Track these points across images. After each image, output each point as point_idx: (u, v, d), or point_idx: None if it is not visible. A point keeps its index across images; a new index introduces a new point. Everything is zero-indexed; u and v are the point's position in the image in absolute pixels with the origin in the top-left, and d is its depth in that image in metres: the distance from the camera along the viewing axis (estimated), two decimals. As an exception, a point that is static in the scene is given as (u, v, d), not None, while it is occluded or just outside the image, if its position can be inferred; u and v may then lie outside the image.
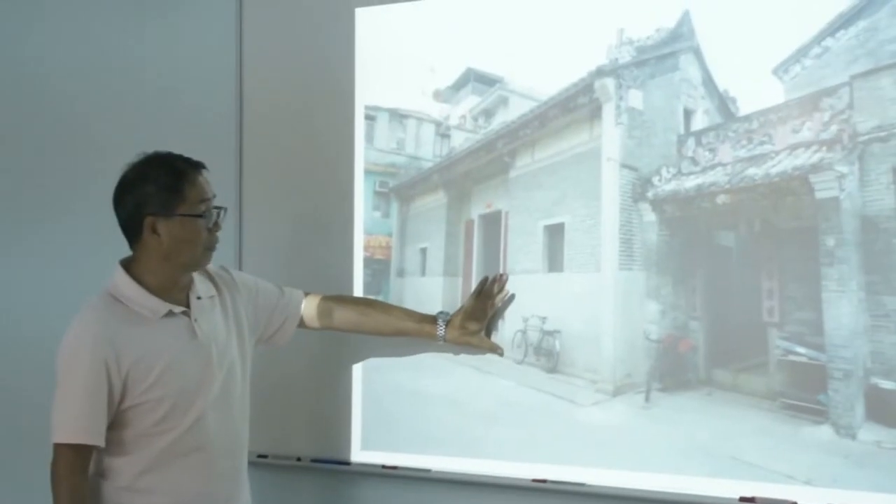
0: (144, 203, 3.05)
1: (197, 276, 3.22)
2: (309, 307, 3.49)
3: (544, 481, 3.53)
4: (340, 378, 3.88)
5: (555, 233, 3.55)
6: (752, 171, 3.27)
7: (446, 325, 3.45)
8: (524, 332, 3.60)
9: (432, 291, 3.78)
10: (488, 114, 3.70)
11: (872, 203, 3.11)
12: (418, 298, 3.77)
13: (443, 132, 3.78)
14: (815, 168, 3.17)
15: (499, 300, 3.51)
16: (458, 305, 3.62)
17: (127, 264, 3.13)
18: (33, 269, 4.55)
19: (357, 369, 3.87)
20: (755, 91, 3.27)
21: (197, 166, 3.12)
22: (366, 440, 3.85)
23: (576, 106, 3.53)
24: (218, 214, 3.14)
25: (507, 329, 3.62)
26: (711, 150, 3.34)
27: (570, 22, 3.54)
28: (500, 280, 3.50)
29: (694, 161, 3.36)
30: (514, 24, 3.62)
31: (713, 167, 3.33)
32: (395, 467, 3.77)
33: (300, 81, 4.01)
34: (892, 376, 3.07)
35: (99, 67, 4.50)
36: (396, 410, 3.80)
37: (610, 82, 3.47)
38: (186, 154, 3.15)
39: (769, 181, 3.24)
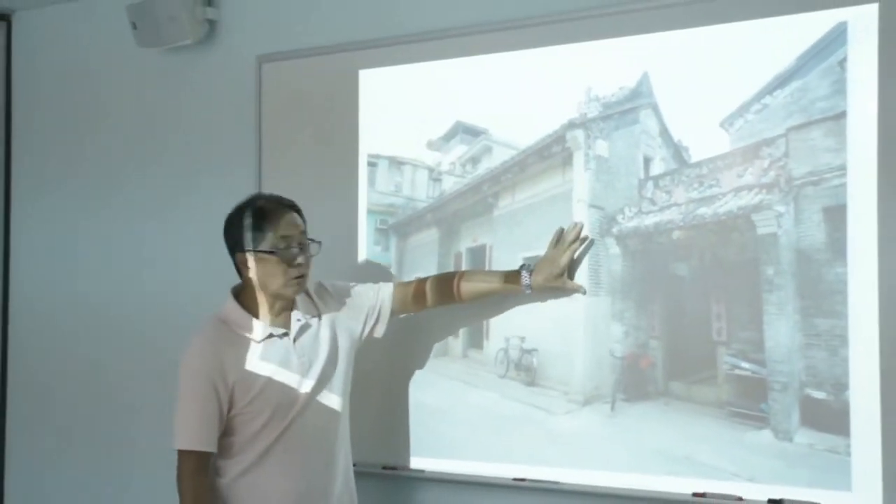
0: (236, 242, 3.19)
1: (299, 299, 3.26)
2: (400, 295, 3.46)
3: (523, 480, 3.58)
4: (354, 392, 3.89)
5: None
6: (702, 210, 3.32)
7: (530, 275, 3.38)
8: (506, 350, 3.64)
9: (427, 316, 3.72)
10: (474, 161, 3.73)
11: (805, 238, 3.16)
12: (416, 322, 3.74)
13: (435, 177, 3.82)
14: (757, 208, 3.23)
15: (576, 246, 3.40)
16: (451, 328, 3.71)
17: (237, 292, 3.24)
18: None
19: (362, 384, 3.77)
20: (705, 141, 3.31)
21: (280, 206, 3.19)
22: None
23: (550, 154, 3.57)
24: (300, 249, 3.16)
25: (491, 347, 3.65)
26: (667, 192, 3.38)
27: (544, 81, 3.57)
28: (576, 228, 3.38)
29: (652, 202, 3.40)
30: (497, 84, 3.66)
31: (669, 207, 3.37)
32: (394, 468, 3.81)
33: (313, 134, 4.05)
34: (823, 388, 3.11)
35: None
36: (394, 419, 3.82)
37: (580, 133, 3.51)
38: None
39: (717, 219, 3.30)
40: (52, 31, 4.87)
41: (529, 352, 3.61)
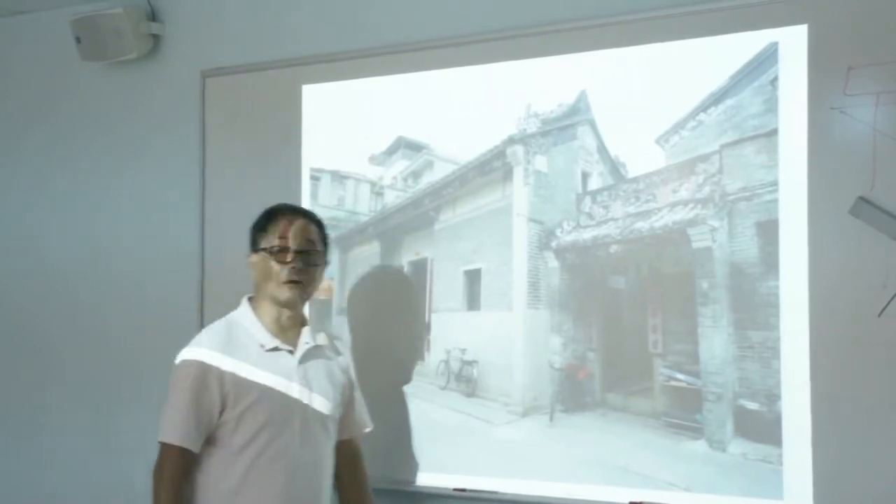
0: (251, 244, 3.13)
1: (313, 328, 3.16)
2: (348, 445, 3.28)
3: (464, 490, 3.56)
4: None
5: (473, 277, 3.59)
6: (639, 224, 3.34)
7: None
8: (447, 361, 3.64)
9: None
10: (416, 175, 3.74)
11: (739, 252, 3.18)
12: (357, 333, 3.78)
13: (377, 191, 3.81)
14: (692, 222, 3.25)
15: None
16: (391, 339, 3.71)
17: (251, 298, 3.15)
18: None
19: None
20: (641, 157, 3.33)
21: (290, 211, 3.15)
22: None
23: (491, 169, 3.58)
24: (301, 256, 3.04)
25: (432, 359, 3.65)
26: (605, 207, 3.39)
27: (485, 97, 3.58)
28: None
29: (590, 216, 3.41)
30: (438, 100, 3.67)
31: (606, 221, 3.38)
32: None
33: (256, 148, 4.04)
34: (757, 398, 3.13)
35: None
36: None
37: (519, 149, 3.53)
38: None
39: (653, 233, 3.32)
40: (-6, 45, 4.81)
41: (470, 363, 3.61)
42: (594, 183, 3.43)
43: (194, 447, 2.95)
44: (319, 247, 3.13)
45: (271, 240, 3.06)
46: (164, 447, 2.95)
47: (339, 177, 3.91)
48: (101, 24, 4.24)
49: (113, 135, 4.47)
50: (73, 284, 4.57)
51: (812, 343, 3.08)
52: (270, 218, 3.11)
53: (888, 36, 3.00)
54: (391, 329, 3.77)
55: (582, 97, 3.44)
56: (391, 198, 3.81)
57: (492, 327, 3.56)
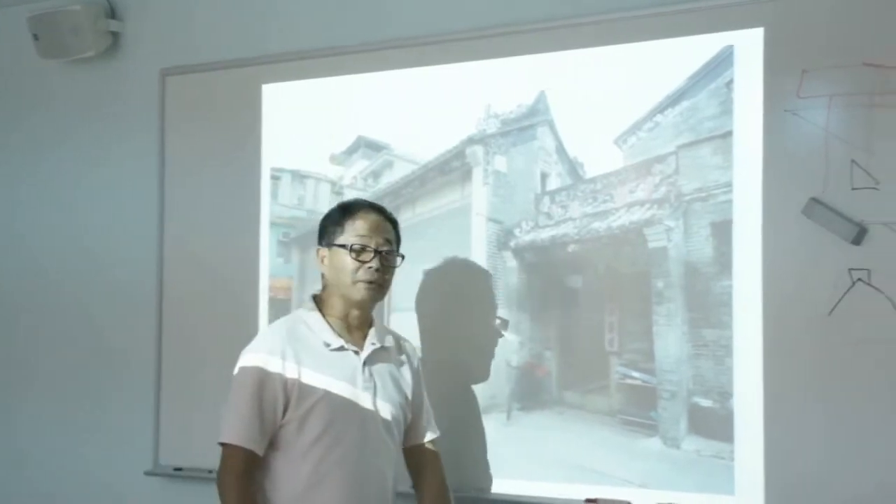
0: (321, 237, 3.01)
1: (381, 328, 3.06)
2: (421, 450, 3.16)
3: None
4: None
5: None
6: (596, 224, 3.36)
7: None
8: (408, 360, 3.66)
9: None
10: (376, 175, 3.73)
11: (694, 252, 3.21)
12: None
13: (337, 190, 3.80)
14: (648, 222, 3.28)
15: None
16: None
17: (317, 297, 3.02)
18: None
19: None
20: (599, 158, 3.35)
21: (368, 208, 3.01)
22: None
23: (450, 169, 3.59)
24: (377, 254, 2.92)
25: None
26: (563, 207, 3.41)
27: (445, 98, 3.60)
28: None
29: (549, 216, 3.44)
30: (399, 100, 3.68)
31: (564, 221, 3.41)
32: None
33: (216, 146, 4.03)
34: (710, 396, 3.16)
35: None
36: None
37: (479, 149, 3.54)
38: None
39: (611, 233, 3.34)
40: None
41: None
42: (553, 183, 3.45)
43: (258, 449, 2.82)
44: (395, 247, 3.04)
45: (349, 237, 2.93)
46: (227, 449, 2.82)
47: (299, 176, 3.90)
48: (60, 20, 4.22)
49: (72, 133, 4.45)
50: (32, 281, 4.55)
51: (765, 341, 3.11)
52: (348, 213, 2.98)
53: (841, 40, 3.04)
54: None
55: (541, 98, 3.46)
56: (351, 197, 3.72)
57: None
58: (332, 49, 3.83)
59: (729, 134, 3.19)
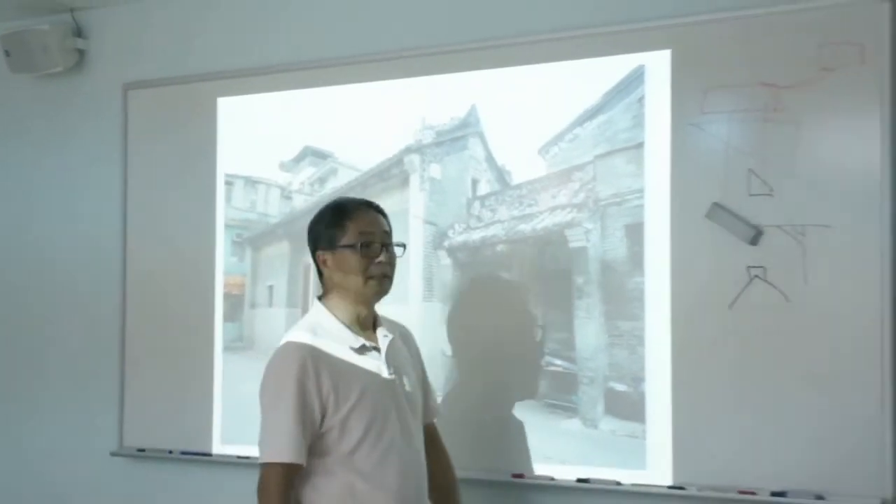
0: (317, 240, 2.74)
1: (386, 320, 2.82)
2: (427, 429, 2.91)
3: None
4: (204, 389, 3.88)
5: None
6: (522, 226, 3.38)
7: None
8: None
9: (276, 319, 3.76)
10: (322, 181, 3.72)
11: (610, 251, 3.24)
12: (268, 325, 3.76)
13: (286, 195, 3.79)
14: (569, 225, 3.30)
15: None
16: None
17: (323, 300, 2.76)
18: None
19: (217, 380, 3.85)
20: (524, 166, 3.37)
21: (362, 204, 2.77)
22: (225, 435, 3.84)
23: (389, 176, 3.58)
24: (382, 248, 2.70)
25: None
26: (492, 211, 3.42)
27: (384, 111, 3.58)
28: None
29: (479, 219, 3.44)
30: (342, 112, 3.66)
31: (493, 223, 3.41)
32: (246, 458, 3.63)
33: (175, 155, 3.99)
34: (624, 381, 3.20)
35: None
36: (253, 412, 3.73)
37: (415, 158, 3.54)
38: None
39: (535, 234, 3.35)
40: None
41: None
42: (482, 189, 3.46)
43: (302, 460, 2.58)
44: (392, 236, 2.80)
45: (352, 236, 2.68)
46: (270, 468, 2.57)
47: (251, 182, 3.88)
48: (29, 39, 4.16)
49: (41, 141, 4.38)
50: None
51: (673, 331, 3.15)
52: (345, 214, 2.73)
53: (739, 63, 3.08)
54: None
55: (472, 112, 3.47)
56: (299, 202, 3.78)
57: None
58: (282, 66, 3.81)
59: (640, 145, 3.21)
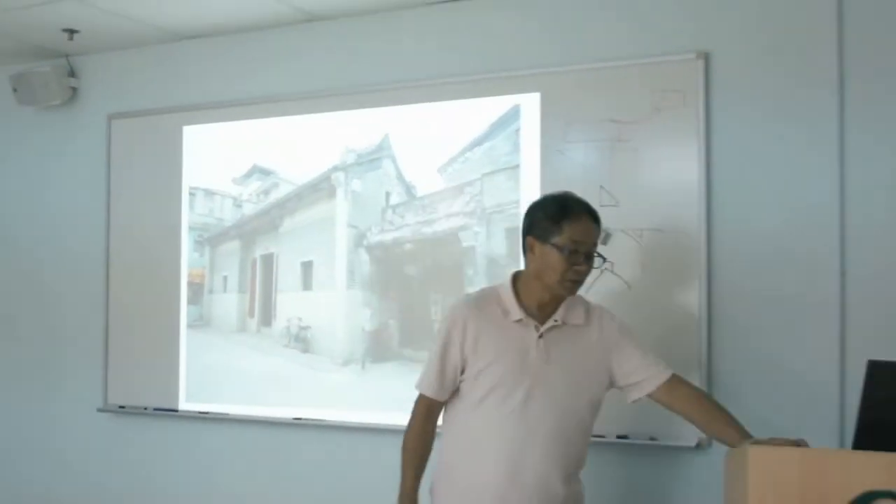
0: (532, 225, 2.37)
1: (571, 304, 2.41)
2: (665, 389, 2.41)
3: (300, 419, 3.48)
4: (172, 358, 3.76)
5: (307, 266, 3.52)
6: (425, 229, 3.32)
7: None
8: (288, 327, 3.55)
9: (230, 303, 3.68)
10: (266, 192, 3.63)
11: (494, 249, 3.20)
12: (223, 307, 3.67)
13: (237, 204, 3.69)
14: (462, 228, 3.26)
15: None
16: (248, 311, 3.58)
17: (516, 274, 2.44)
18: None
19: (182, 351, 3.73)
20: (427, 182, 3.32)
21: (584, 212, 2.36)
22: (189, 395, 3.73)
23: (320, 189, 3.51)
24: (586, 257, 2.33)
25: (278, 325, 3.56)
26: (401, 217, 3.37)
27: (316, 137, 3.52)
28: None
29: (391, 223, 3.38)
30: (283, 138, 3.58)
31: (402, 227, 3.36)
32: (206, 413, 3.65)
33: (149, 170, 3.85)
34: None
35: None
36: (211, 377, 3.68)
37: (341, 175, 3.47)
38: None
39: (435, 236, 3.30)
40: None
41: (305, 328, 3.52)
42: (394, 199, 3.40)
43: (440, 396, 2.40)
44: (599, 248, 2.41)
45: (564, 240, 2.31)
46: (419, 395, 2.44)
47: (209, 193, 3.76)
48: (33, 78, 4.03)
49: (42, 159, 4.19)
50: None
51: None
52: (567, 215, 2.34)
53: (593, 103, 3.04)
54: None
55: (385, 139, 3.41)
56: (248, 209, 3.69)
57: (321, 303, 3.48)
58: (236, 101, 3.69)
59: (517, 166, 3.17)
